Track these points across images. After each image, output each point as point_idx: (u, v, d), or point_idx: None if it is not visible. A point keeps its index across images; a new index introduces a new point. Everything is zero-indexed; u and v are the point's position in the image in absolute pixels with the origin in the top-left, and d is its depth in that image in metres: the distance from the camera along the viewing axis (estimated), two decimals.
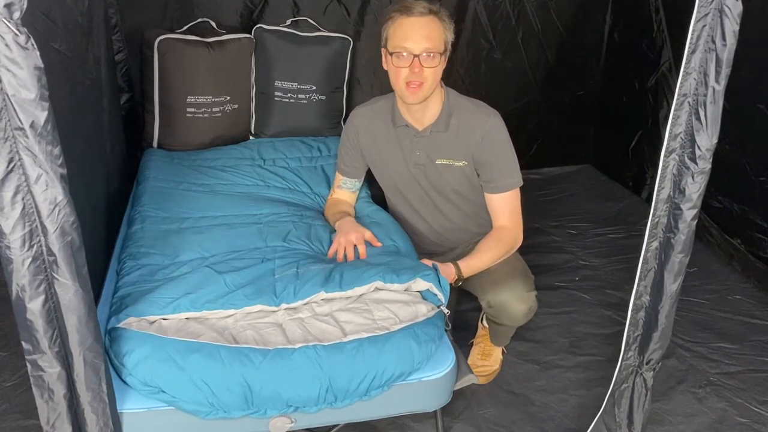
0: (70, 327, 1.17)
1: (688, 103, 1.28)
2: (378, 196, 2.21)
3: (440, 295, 1.64)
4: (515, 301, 1.80)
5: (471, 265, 1.82)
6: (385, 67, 1.83)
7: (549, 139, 3.49)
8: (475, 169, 1.89)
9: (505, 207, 1.89)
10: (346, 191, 2.11)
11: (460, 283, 1.84)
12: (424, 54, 1.72)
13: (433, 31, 1.74)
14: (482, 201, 1.95)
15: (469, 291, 2.01)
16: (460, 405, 1.97)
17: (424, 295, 1.67)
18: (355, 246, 1.81)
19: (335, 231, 1.94)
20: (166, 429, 1.44)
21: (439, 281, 1.66)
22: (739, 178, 2.61)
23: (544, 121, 3.46)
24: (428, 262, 1.76)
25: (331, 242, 1.90)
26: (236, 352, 1.41)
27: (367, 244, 1.84)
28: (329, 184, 2.41)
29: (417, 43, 1.72)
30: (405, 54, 1.73)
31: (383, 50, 1.82)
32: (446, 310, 1.65)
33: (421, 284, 1.65)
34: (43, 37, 1.39)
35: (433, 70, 1.74)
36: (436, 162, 1.91)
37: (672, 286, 1.43)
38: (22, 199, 1.07)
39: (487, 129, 1.84)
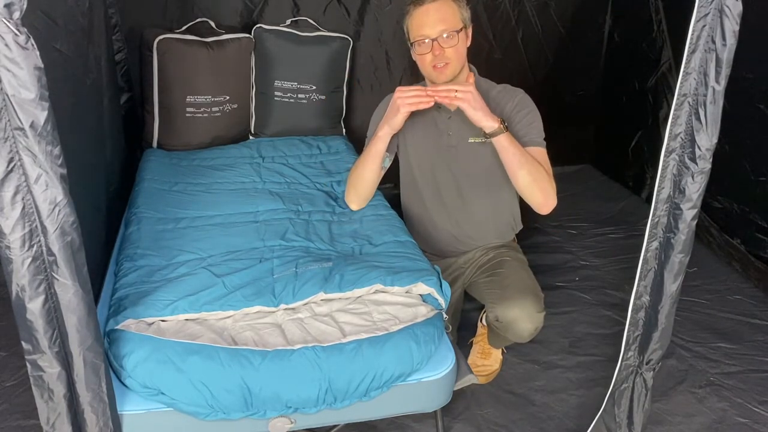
0: (70, 327, 1.17)
1: (688, 103, 1.28)
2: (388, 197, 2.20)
3: (441, 300, 1.64)
4: (524, 320, 1.79)
5: (518, 144, 1.76)
6: (414, 58, 1.89)
7: (549, 139, 3.48)
8: None
9: (540, 160, 1.85)
10: None
11: (501, 129, 1.74)
12: (442, 36, 1.79)
13: (446, 12, 1.80)
14: (506, 196, 1.94)
15: (479, 301, 2.02)
16: (460, 405, 1.97)
17: (425, 299, 1.67)
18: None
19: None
20: (165, 430, 1.44)
21: (440, 285, 1.66)
22: (739, 178, 2.61)
23: (544, 121, 3.45)
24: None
25: (331, 237, 1.91)
26: (235, 354, 1.41)
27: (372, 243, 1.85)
28: (329, 176, 2.41)
29: (432, 28, 1.79)
30: (425, 41, 1.80)
31: (409, 44, 1.88)
32: (446, 315, 1.65)
33: (422, 288, 1.65)
34: (44, 36, 1.39)
35: (454, 49, 1.81)
36: (469, 141, 1.93)
37: (672, 286, 1.43)
38: (22, 199, 1.07)
39: (520, 97, 1.93)
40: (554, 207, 1.84)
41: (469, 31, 1.88)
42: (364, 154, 1.95)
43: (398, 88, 1.80)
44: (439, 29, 1.79)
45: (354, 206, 2.05)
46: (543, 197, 1.81)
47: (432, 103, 1.76)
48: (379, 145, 1.88)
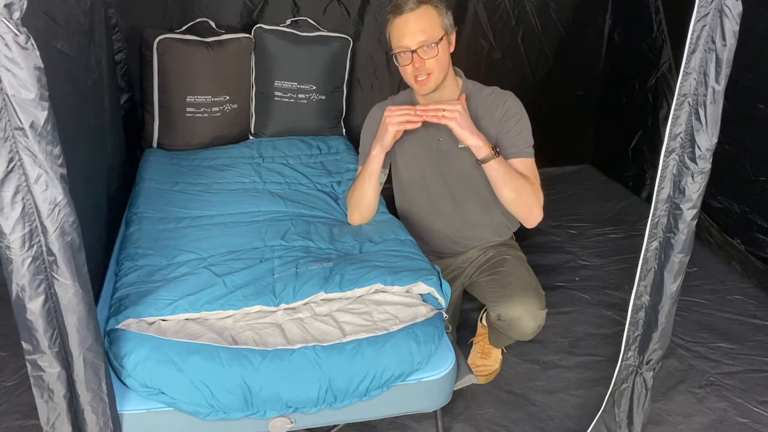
0: (70, 327, 1.17)
1: (688, 103, 1.28)
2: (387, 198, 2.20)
3: (441, 299, 1.64)
4: (527, 318, 1.78)
5: (504, 162, 1.78)
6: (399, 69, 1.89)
7: (549, 139, 3.46)
8: (496, 145, 1.88)
9: (528, 172, 1.85)
10: None
11: (492, 155, 1.76)
12: (422, 47, 1.77)
13: (426, 22, 1.78)
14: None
15: (480, 301, 2.01)
16: (460, 405, 1.97)
17: (425, 298, 1.67)
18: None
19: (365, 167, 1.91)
20: (165, 430, 1.44)
21: (440, 285, 1.66)
22: (739, 178, 2.61)
23: (544, 121, 3.44)
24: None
25: (331, 237, 1.90)
26: (235, 353, 1.41)
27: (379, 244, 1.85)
28: (329, 176, 2.41)
29: (412, 39, 1.78)
30: (404, 52, 1.79)
31: (391, 53, 1.87)
32: (446, 315, 1.65)
33: (422, 287, 1.65)
34: (45, 36, 1.39)
35: (434, 60, 1.79)
36: (459, 145, 1.91)
37: (672, 286, 1.43)
38: (22, 199, 1.07)
39: (509, 103, 1.92)
40: (540, 221, 1.86)
41: (452, 37, 1.86)
42: (360, 176, 1.96)
43: (388, 107, 1.82)
44: (418, 40, 1.77)
45: (357, 225, 2.04)
46: (527, 213, 1.85)
47: (420, 124, 1.78)
48: (374, 164, 1.89)
